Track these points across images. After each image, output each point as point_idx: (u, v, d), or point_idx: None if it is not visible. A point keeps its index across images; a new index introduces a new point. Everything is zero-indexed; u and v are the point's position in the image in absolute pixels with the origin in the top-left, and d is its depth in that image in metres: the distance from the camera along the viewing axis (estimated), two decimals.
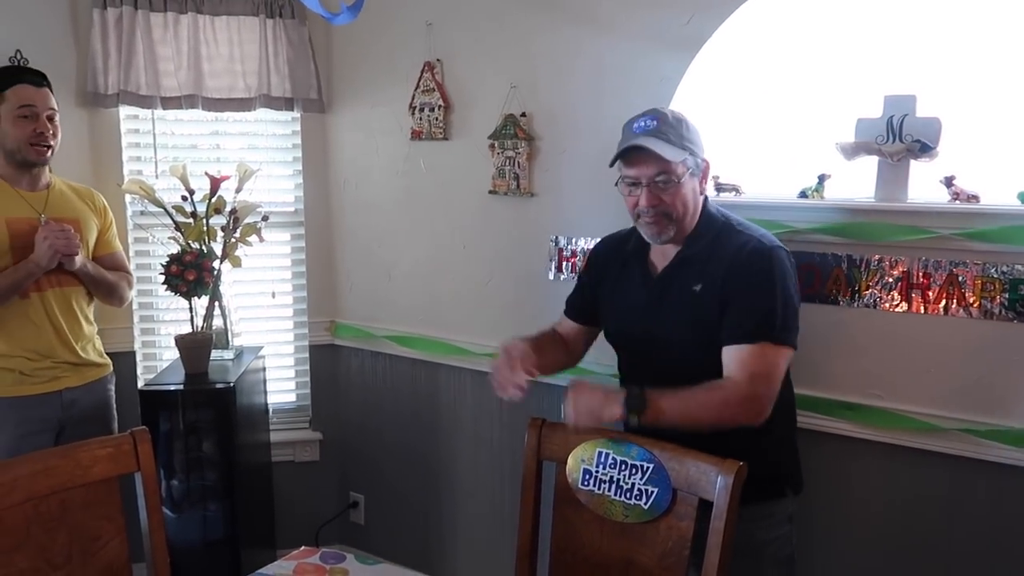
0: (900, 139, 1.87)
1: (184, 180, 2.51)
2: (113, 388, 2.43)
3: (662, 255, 1.76)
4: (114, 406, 2.42)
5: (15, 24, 2.50)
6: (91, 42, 2.61)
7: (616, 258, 1.86)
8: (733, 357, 1.61)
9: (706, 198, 1.76)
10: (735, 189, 2.12)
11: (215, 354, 2.57)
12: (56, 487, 1.56)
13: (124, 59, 2.63)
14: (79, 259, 2.18)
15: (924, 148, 1.83)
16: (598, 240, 1.99)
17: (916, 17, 1.90)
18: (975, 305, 1.82)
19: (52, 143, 2.18)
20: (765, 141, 2.12)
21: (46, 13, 2.60)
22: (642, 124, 1.68)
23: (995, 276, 1.79)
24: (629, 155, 1.67)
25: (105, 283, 2.31)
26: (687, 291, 1.69)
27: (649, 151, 1.62)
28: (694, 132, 1.71)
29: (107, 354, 2.42)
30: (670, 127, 1.66)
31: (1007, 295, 1.78)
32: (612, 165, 1.71)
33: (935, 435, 1.88)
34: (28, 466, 1.55)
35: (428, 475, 2.86)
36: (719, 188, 2.12)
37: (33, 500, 1.53)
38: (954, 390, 1.87)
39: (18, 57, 2.47)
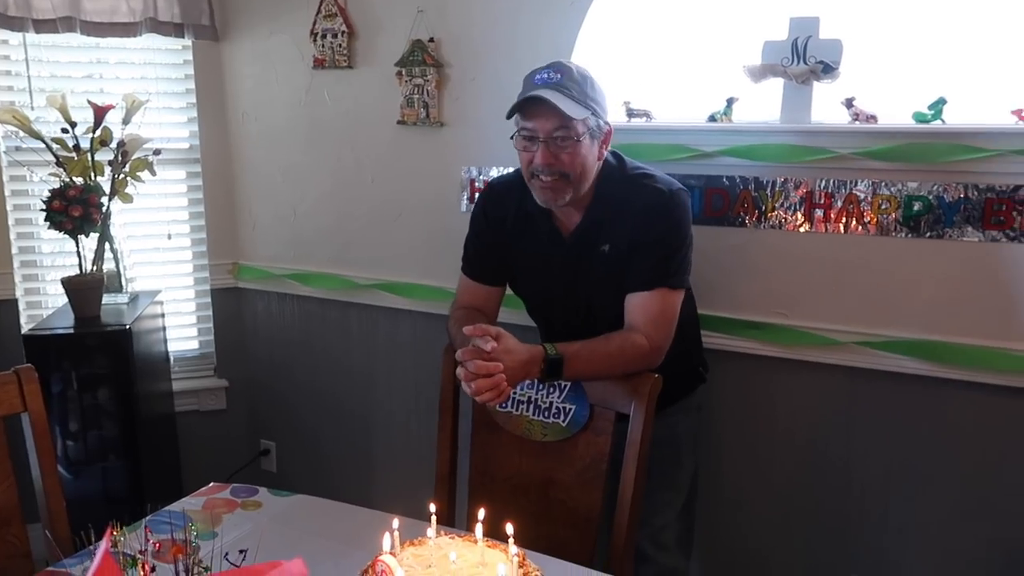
0: (804, 61, 1.90)
1: (64, 111, 2.31)
2: None
3: (567, 217, 1.71)
4: None
5: None
6: None
7: (516, 211, 1.76)
8: (634, 304, 1.64)
9: (605, 160, 1.69)
10: (646, 114, 2.12)
11: (107, 298, 2.42)
12: None
13: None
14: None
15: (827, 69, 1.87)
16: (487, 196, 1.87)
17: None
18: (872, 223, 1.89)
19: None
20: (674, 65, 2.12)
21: None
22: (544, 76, 1.59)
23: (891, 194, 1.87)
24: (528, 107, 1.58)
25: None
26: (597, 252, 1.67)
27: (549, 104, 1.53)
28: (599, 93, 1.63)
29: None
30: (574, 83, 1.58)
31: (901, 211, 1.86)
32: (510, 117, 1.62)
33: (835, 349, 1.97)
34: None
35: (341, 417, 2.80)
36: (630, 113, 2.12)
37: None
38: (853, 306, 1.95)
39: None
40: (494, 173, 2.32)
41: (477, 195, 2.35)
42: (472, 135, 2.35)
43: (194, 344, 2.92)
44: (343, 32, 2.46)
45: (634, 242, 1.63)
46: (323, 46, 2.50)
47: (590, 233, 1.68)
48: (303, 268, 2.72)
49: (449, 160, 2.39)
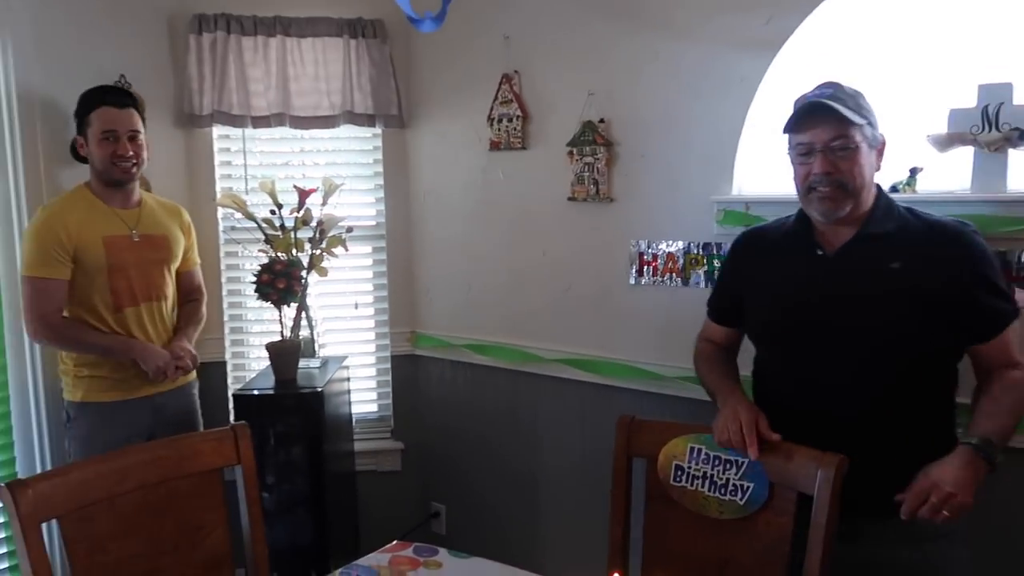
0: (997, 128, 1.81)
1: (273, 195, 2.61)
2: (197, 394, 2.49)
3: (834, 234, 1.60)
4: (199, 411, 2.49)
5: (119, 51, 2.65)
6: (187, 66, 2.76)
7: (763, 246, 1.72)
8: (992, 345, 1.54)
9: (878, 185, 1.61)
10: None
11: (302, 363, 2.64)
12: (164, 476, 1.62)
13: (218, 81, 2.76)
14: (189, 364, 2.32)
15: None
16: (740, 237, 1.82)
17: (1002, 3, 1.86)
18: None
19: (135, 162, 2.22)
20: None
21: (147, 40, 2.76)
22: (817, 92, 1.56)
23: None
24: (803, 120, 1.54)
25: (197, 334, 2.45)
26: (882, 269, 1.53)
27: (826, 113, 1.50)
28: (870, 108, 1.57)
29: (202, 364, 2.50)
30: (847, 95, 1.54)
31: None
32: (786, 131, 1.58)
33: None
34: (139, 455, 1.62)
35: (510, 483, 2.86)
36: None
37: (143, 488, 1.59)
38: None
39: (122, 81, 2.62)
40: (663, 247, 2.35)
41: (645, 267, 2.40)
42: (641, 209, 2.40)
43: (374, 407, 3.11)
44: (518, 116, 2.63)
45: (955, 278, 1.50)
46: (499, 129, 2.67)
47: (868, 248, 1.56)
48: (476, 338, 2.85)
49: (618, 234, 2.46)
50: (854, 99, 1.54)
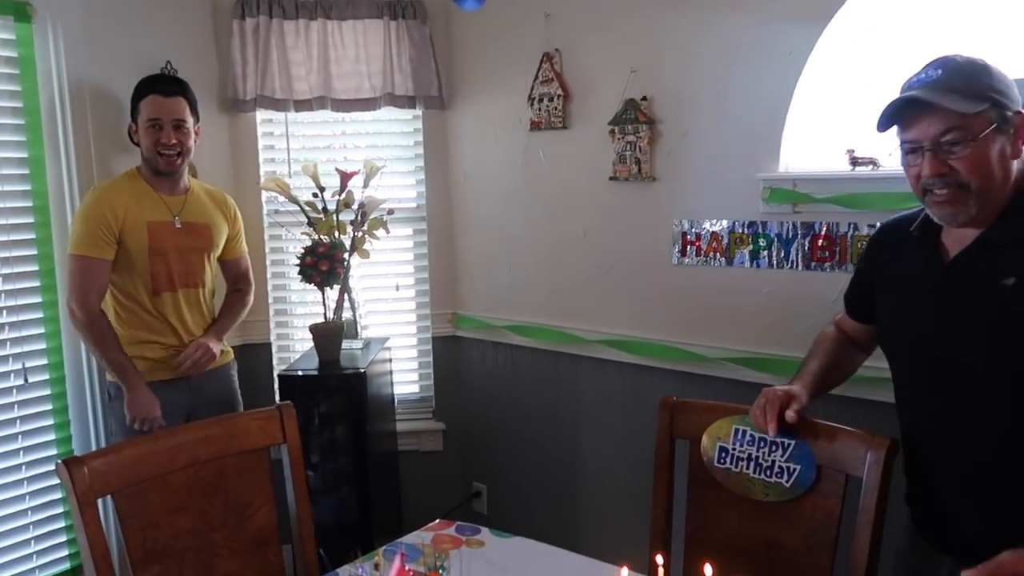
0: None
1: (315, 178, 2.63)
2: (236, 376, 2.52)
3: (959, 237, 1.36)
4: (238, 393, 2.52)
5: (165, 38, 2.69)
6: (231, 51, 2.79)
7: (897, 239, 1.48)
8: None
9: None
10: (872, 163, 2.03)
11: (345, 344, 2.67)
12: (213, 454, 1.66)
13: (260, 66, 2.79)
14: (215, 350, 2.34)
15: None
16: (876, 229, 1.62)
17: None
18: None
19: (179, 151, 2.24)
20: None
21: (192, 26, 2.80)
22: (922, 76, 1.31)
23: None
24: (903, 116, 1.31)
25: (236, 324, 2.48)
26: (992, 285, 1.28)
27: (929, 104, 1.26)
28: (999, 78, 1.29)
29: (248, 345, 2.55)
30: (960, 75, 1.28)
31: None
32: (884, 130, 1.36)
33: None
34: (190, 433, 1.65)
35: (551, 464, 2.86)
36: (855, 162, 2.04)
37: (194, 465, 1.63)
38: None
39: (168, 68, 2.66)
40: (707, 226, 2.32)
41: (688, 247, 2.37)
42: (684, 188, 2.37)
43: (415, 388, 3.13)
44: (559, 95, 2.60)
45: None
46: (540, 109, 2.65)
47: (984, 256, 1.31)
48: (517, 319, 2.85)
49: (660, 213, 2.42)
50: (973, 77, 1.27)
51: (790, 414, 1.50)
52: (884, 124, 1.34)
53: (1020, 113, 1.28)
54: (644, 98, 2.39)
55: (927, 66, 1.32)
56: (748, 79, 2.19)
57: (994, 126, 1.26)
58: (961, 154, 1.26)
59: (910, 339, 1.42)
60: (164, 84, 2.29)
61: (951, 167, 1.27)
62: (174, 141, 2.23)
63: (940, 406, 1.37)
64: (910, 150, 1.32)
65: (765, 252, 2.21)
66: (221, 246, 2.43)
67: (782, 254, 2.19)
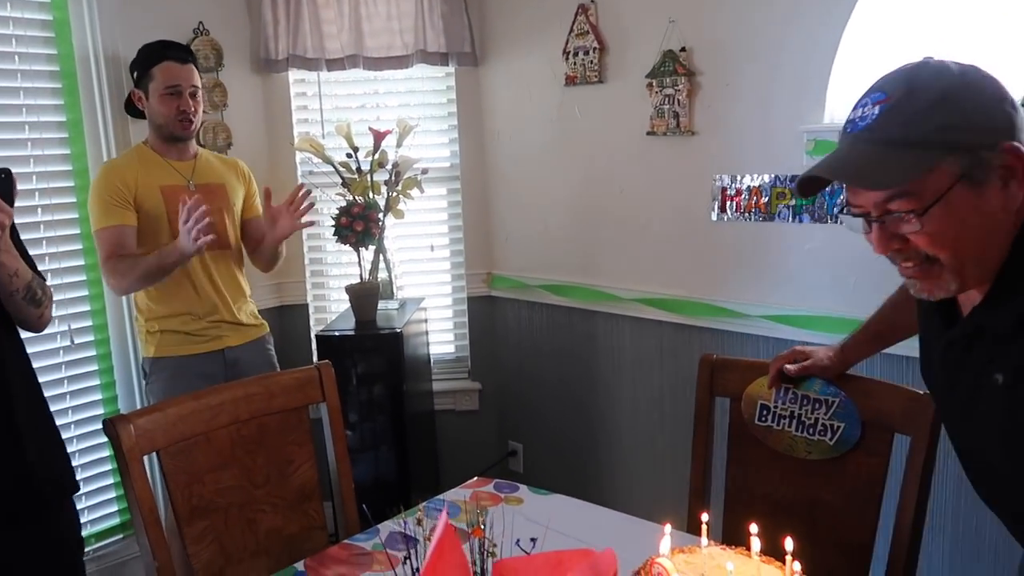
0: None
1: (349, 138, 2.61)
2: (273, 348, 2.47)
3: (964, 298, 1.05)
4: (276, 364, 2.46)
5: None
6: (262, 11, 2.76)
7: None
8: None
9: None
10: None
11: (381, 304, 2.68)
12: (255, 412, 1.67)
13: (292, 25, 2.76)
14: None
15: None
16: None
17: None
18: None
19: (194, 119, 2.23)
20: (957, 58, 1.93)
21: None
22: (857, 117, 0.98)
23: None
24: (833, 176, 1.02)
25: (278, 251, 2.39)
26: (987, 382, 0.99)
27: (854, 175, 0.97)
28: (968, 107, 0.92)
29: (284, 307, 2.55)
30: (901, 114, 0.93)
31: None
32: (805, 197, 1.18)
33: None
34: (232, 392, 1.67)
35: (587, 423, 2.86)
36: None
37: (237, 424, 1.65)
38: None
39: (200, 29, 2.65)
40: (747, 181, 2.26)
41: (728, 202, 2.31)
42: (724, 142, 2.31)
43: (451, 348, 3.14)
44: (594, 49, 2.54)
45: None
46: (575, 64, 2.59)
47: (975, 341, 1.02)
48: (552, 278, 2.83)
49: (700, 169, 2.37)
50: (922, 114, 0.92)
51: (789, 367, 1.53)
52: (803, 190, 1.08)
53: (1008, 149, 0.91)
54: (683, 49, 2.32)
55: (869, 91, 0.98)
56: (792, 27, 2.11)
57: (961, 178, 0.91)
58: (913, 228, 0.94)
59: (935, 402, 1.24)
60: (176, 51, 2.25)
61: (906, 241, 0.96)
62: (193, 108, 2.22)
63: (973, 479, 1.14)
64: (856, 214, 1.01)
65: (807, 207, 2.16)
66: (239, 205, 2.39)
67: (825, 209, 2.13)
